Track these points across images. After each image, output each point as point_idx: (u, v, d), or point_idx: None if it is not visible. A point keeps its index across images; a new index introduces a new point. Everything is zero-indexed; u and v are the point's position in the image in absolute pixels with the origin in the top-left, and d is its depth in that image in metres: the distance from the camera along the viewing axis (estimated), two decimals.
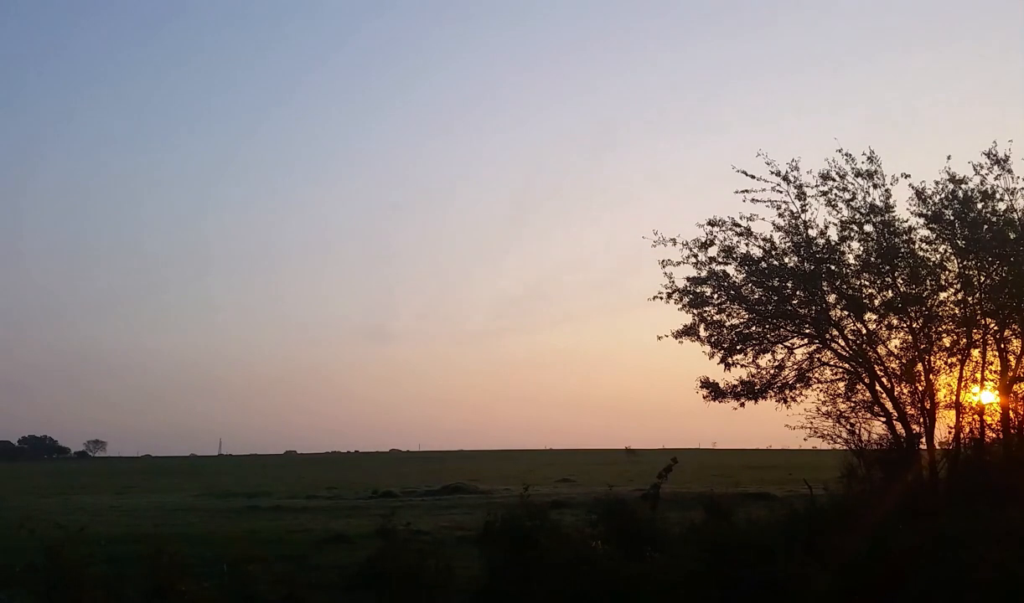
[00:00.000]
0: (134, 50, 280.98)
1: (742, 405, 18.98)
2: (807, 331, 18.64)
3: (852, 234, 17.93)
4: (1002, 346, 17.80)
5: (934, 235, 17.78)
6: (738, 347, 18.68)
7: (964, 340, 17.63)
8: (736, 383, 18.86)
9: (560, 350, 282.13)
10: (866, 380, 18.14)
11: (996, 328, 17.86)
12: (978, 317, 17.66)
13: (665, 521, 12.93)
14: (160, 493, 44.04)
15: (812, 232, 18.01)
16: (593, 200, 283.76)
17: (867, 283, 18.09)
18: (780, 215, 17.99)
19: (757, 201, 17.93)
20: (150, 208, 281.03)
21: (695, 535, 11.77)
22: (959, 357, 17.60)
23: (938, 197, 17.57)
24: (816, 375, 18.78)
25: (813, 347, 18.69)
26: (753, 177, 17.75)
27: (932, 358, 17.72)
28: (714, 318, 18.70)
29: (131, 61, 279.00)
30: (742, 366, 18.82)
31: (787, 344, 18.77)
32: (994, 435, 17.73)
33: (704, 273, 18.53)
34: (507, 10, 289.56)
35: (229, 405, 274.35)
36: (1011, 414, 17.59)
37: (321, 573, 12.89)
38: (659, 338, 19.21)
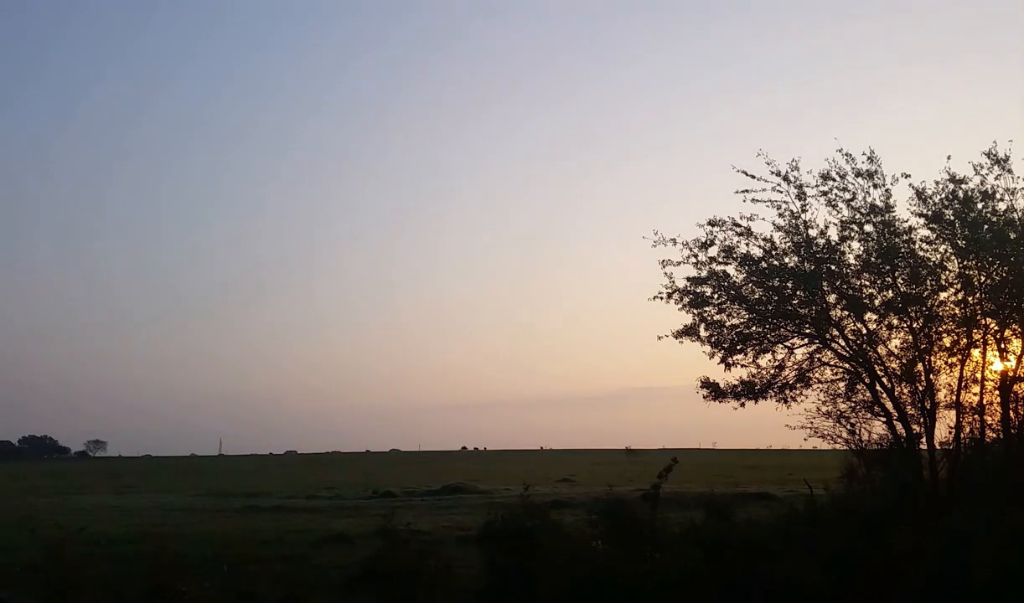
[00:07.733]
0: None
1: (742, 405, 18.93)
2: (807, 331, 18.61)
3: (852, 234, 17.90)
4: (1002, 346, 17.79)
5: (934, 235, 17.74)
6: (738, 347, 18.63)
7: (964, 340, 17.60)
8: (736, 383, 18.80)
9: (560, 350, 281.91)
10: (866, 380, 18.11)
11: (996, 328, 17.83)
12: (978, 317, 17.62)
13: (665, 521, 12.93)
14: (160, 493, 44.02)
15: (812, 232, 17.98)
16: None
17: (867, 283, 18.06)
18: (780, 215, 17.95)
19: (757, 201, 17.90)
20: (149, 213, 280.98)
21: (695, 535, 11.77)
22: (959, 357, 17.57)
23: (938, 197, 17.53)
24: (816, 375, 18.72)
25: (813, 347, 18.65)
26: (753, 177, 17.72)
27: (932, 358, 17.68)
28: (714, 318, 18.65)
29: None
30: (742, 366, 18.77)
31: (787, 344, 18.72)
32: (994, 435, 17.72)
33: (704, 273, 18.47)
34: (501, 6, 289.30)
35: (229, 405, 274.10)
36: (1011, 414, 17.57)
37: (321, 573, 12.90)
38: (659, 338, 19.21)
